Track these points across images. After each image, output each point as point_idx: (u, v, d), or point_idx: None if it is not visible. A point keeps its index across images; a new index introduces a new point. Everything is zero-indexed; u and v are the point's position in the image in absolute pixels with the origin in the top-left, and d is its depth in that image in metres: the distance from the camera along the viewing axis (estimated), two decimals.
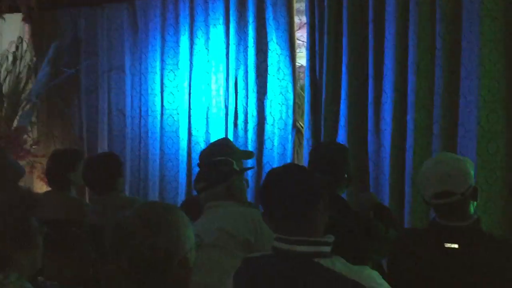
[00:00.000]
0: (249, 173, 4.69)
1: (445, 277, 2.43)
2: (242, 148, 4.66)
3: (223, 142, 3.88)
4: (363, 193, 3.76)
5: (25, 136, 5.70)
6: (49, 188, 4.13)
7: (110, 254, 1.76)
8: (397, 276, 2.53)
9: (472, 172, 2.53)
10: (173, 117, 5.21)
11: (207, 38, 5.02)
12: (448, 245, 2.43)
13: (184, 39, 5.11)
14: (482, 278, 2.38)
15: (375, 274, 1.99)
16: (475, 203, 2.51)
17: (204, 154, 3.70)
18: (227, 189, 3.13)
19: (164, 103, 5.23)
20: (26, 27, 5.97)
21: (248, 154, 4.12)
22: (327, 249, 2.03)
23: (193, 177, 3.43)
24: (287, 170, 2.17)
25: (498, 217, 3.66)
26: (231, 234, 2.93)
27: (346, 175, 3.09)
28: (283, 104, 4.68)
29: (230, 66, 4.90)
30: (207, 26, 5.02)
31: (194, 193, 3.37)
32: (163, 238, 1.72)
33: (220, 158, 3.34)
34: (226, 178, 3.15)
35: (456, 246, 2.42)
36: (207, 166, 3.31)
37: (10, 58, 5.83)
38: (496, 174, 3.66)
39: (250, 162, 4.69)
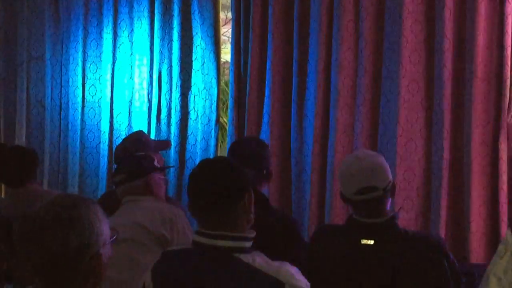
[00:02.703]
0: (171, 168, 4.65)
1: (361, 273, 2.46)
2: None
3: (137, 136, 3.85)
4: None
5: None
6: None
7: (19, 248, 1.70)
8: (314, 272, 2.54)
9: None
10: (94, 110, 5.09)
11: (131, 31, 4.92)
12: (364, 241, 2.46)
13: (108, 31, 5.00)
14: (397, 273, 2.41)
15: (294, 270, 1.99)
16: (391, 199, 2.55)
17: (119, 149, 3.68)
18: (146, 184, 3.11)
19: (86, 96, 5.10)
20: None
21: (164, 144, 4.10)
22: (248, 244, 2.02)
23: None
24: (216, 163, 2.15)
25: (415, 215, 3.74)
26: (148, 230, 2.91)
27: (265, 171, 3.05)
28: (207, 99, 4.65)
29: (154, 60, 4.82)
30: (131, 18, 4.92)
31: (114, 187, 3.33)
32: (73, 233, 1.66)
33: (141, 153, 3.32)
34: (146, 173, 3.12)
35: (371, 242, 2.45)
36: (128, 160, 3.28)
37: None
38: (414, 173, 3.75)
39: (173, 157, 4.67)
